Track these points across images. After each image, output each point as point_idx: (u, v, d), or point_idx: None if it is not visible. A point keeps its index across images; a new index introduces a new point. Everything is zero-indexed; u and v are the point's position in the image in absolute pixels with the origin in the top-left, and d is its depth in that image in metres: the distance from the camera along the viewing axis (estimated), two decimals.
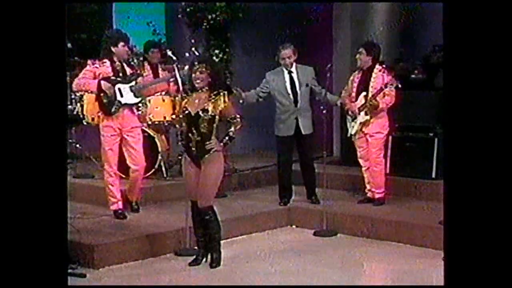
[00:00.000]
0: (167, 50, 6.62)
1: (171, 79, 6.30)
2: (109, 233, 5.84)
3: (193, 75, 5.32)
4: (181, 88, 5.79)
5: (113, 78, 6.24)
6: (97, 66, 6.24)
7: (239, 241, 6.31)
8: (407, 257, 5.77)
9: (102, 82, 6.18)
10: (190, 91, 5.43)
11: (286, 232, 6.77)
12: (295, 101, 6.87)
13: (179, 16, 8.80)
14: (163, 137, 7.58)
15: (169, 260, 5.71)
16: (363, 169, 7.00)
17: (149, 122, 7.31)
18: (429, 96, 7.96)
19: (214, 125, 5.29)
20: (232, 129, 5.33)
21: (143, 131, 6.69)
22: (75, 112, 7.64)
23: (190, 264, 5.47)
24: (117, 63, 6.29)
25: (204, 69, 5.30)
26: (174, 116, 6.58)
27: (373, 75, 6.76)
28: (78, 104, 7.57)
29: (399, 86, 6.65)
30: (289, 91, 6.88)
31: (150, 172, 7.30)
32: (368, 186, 7.00)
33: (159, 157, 7.37)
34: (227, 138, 5.34)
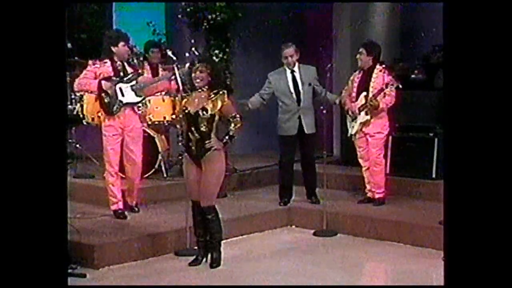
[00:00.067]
0: (167, 50, 6.62)
1: (172, 77, 6.30)
2: (109, 233, 5.84)
3: (193, 74, 5.33)
4: (181, 88, 5.80)
5: (114, 77, 6.24)
6: (98, 66, 6.25)
7: (239, 241, 6.31)
8: (407, 257, 5.77)
9: (103, 82, 6.19)
10: (190, 90, 5.43)
11: (286, 232, 6.78)
12: (298, 101, 6.87)
13: (179, 16, 8.79)
14: (163, 137, 7.59)
15: (169, 260, 5.71)
16: (363, 169, 7.00)
17: (149, 122, 7.31)
18: (429, 96, 7.96)
19: (214, 124, 5.30)
20: (232, 128, 5.33)
21: (143, 131, 6.69)
22: (75, 112, 7.64)
23: (190, 264, 5.47)
24: (118, 62, 6.29)
25: (204, 69, 5.31)
26: (174, 116, 6.59)
27: (374, 75, 6.76)
28: (78, 104, 7.58)
29: (400, 86, 6.65)
30: (292, 90, 6.88)
31: (150, 172, 7.30)
32: (368, 186, 7.00)
33: (159, 157, 7.37)
34: (227, 137, 5.34)
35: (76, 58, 8.15)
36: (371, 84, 6.74)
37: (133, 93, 6.28)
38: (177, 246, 5.82)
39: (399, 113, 7.14)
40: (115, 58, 6.28)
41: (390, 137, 7.22)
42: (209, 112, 5.26)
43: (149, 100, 7.14)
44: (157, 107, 7.32)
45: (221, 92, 5.31)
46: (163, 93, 7.17)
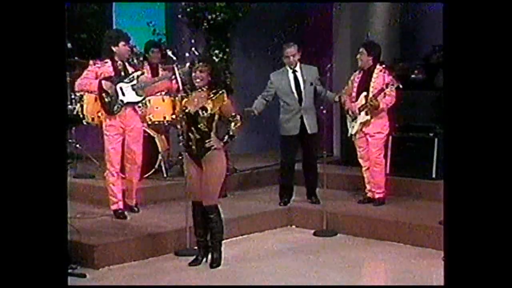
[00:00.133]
0: (167, 50, 6.63)
1: (172, 77, 6.31)
2: (109, 233, 5.84)
3: (193, 74, 5.33)
4: (181, 88, 5.80)
5: (114, 77, 6.25)
6: (99, 66, 6.25)
7: (239, 241, 6.31)
8: (407, 257, 5.77)
9: (103, 81, 6.19)
10: (190, 90, 5.44)
11: (286, 232, 6.77)
12: (300, 100, 6.86)
13: (179, 16, 8.80)
14: (163, 137, 7.58)
15: (169, 260, 5.70)
16: (363, 169, 7.00)
17: (149, 122, 7.31)
18: (429, 96, 7.96)
19: (214, 123, 5.30)
20: (232, 127, 5.33)
21: (143, 131, 6.69)
22: (75, 112, 7.63)
23: (190, 264, 5.47)
24: (119, 62, 6.30)
25: (204, 68, 5.31)
26: (174, 116, 6.59)
27: (374, 75, 6.76)
28: (78, 104, 7.57)
29: (401, 86, 6.65)
30: (294, 90, 6.88)
31: (150, 172, 7.30)
32: (368, 186, 7.00)
33: (159, 157, 7.37)
34: (227, 136, 5.35)
35: (76, 58, 8.15)
36: (371, 84, 6.74)
37: (133, 92, 6.28)
38: (177, 246, 5.82)
39: (399, 113, 7.14)
40: (116, 58, 6.28)
41: (390, 137, 7.22)
42: (209, 112, 5.27)
43: (149, 100, 7.14)
44: (157, 107, 7.32)
45: (220, 92, 5.32)
46: (163, 93, 7.18)
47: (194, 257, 5.51)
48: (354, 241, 6.33)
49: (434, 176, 7.30)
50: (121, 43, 6.25)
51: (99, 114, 6.77)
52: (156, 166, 7.36)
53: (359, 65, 6.88)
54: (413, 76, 8.51)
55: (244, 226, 6.55)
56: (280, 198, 7.09)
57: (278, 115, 7.00)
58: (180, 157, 7.37)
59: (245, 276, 5.29)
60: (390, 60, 8.45)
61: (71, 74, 7.50)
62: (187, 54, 6.90)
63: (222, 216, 5.46)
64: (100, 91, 6.22)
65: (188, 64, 5.87)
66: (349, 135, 7.06)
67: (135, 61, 7.63)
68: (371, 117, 6.76)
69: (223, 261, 5.45)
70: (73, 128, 7.92)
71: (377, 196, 6.91)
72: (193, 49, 6.86)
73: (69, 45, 8.13)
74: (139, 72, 6.44)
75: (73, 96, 7.76)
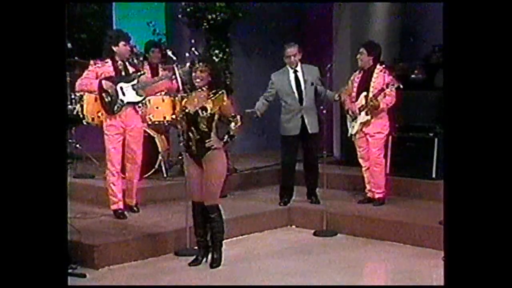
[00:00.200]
0: (167, 50, 6.63)
1: (173, 77, 6.31)
2: (109, 233, 5.84)
3: (193, 74, 5.33)
4: (181, 88, 5.80)
5: (115, 77, 6.25)
6: (99, 66, 6.26)
7: (239, 241, 6.31)
8: (407, 257, 5.77)
9: (103, 81, 6.20)
10: (190, 90, 5.44)
11: (286, 232, 6.77)
12: (300, 100, 6.86)
13: (179, 16, 8.80)
14: (163, 137, 7.59)
15: (169, 260, 5.71)
16: (363, 169, 7.00)
17: (149, 122, 7.31)
18: (429, 96, 7.96)
19: (213, 123, 5.30)
20: (232, 127, 5.33)
21: (143, 131, 6.69)
22: (75, 112, 7.64)
23: (190, 264, 5.47)
24: (119, 62, 6.30)
25: (204, 68, 5.31)
26: (174, 116, 6.59)
27: (374, 75, 6.76)
28: (78, 104, 7.58)
29: (401, 86, 6.64)
30: (294, 90, 6.88)
31: (150, 172, 7.30)
32: (368, 186, 7.00)
33: (159, 157, 7.37)
34: (227, 136, 5.34)
35: (76, 58, 8.16)
36: (372, 84, 6.74)
37: (134, 92, 6.28)
38: (177, 246, 5.82)
39: (399, 113, 7.14)
40: (116, 58, 6.28)
41: (390, 137, 7.22)
42: (209, 112, 5.27)
43: (149, 100, 7.14)
44: (157, 107, 7.31)
45: (220, 92, 5.32)
46: (163, 93, 7.18)
47: (194, 257, 5.51)
48: (354, 241, 6.33)
49: (434, 176, 7.30)
50: (122, 43, 6.25)
51: (99, 114, 6.78)
52: (156, 166, 7.37)
53: (359, 65, 6.88)
54: (413, 76, 8.50)
55: (244, 226, 6.55)
56: (280, 198, 7.09)
57: (278, 115, 7.00)
58: (180, 157, 7.37)
59: (245, 276, 5.29)
60: (390, 60, 8.44)
61: (71, 74, 7.51)
62: (187, 54, 6.89)
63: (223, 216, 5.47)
64: (100, 91, 6.23)
65: (188, 64, 5.87)
66: (349, 135, 7.06)
67: (135, 61, 7.63)
68: (371, 117, 6.76)
69: (223, 261, 5.45)
70: (73, 128, 7.93)
71: (377, 196, 6.91)
72: (193, 49, 6.86)
73: (69, 45, 8.14)
74: (140, 73, 6.44)
75: (73, 96, 7.77)
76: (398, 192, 7.14)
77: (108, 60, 6.27)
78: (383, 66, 6.91)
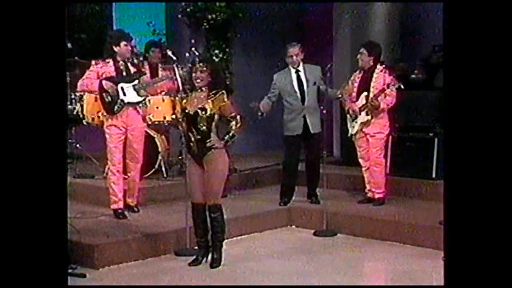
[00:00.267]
0: (167, 50, 6.63)
1: (173, 77, 6.31)
2: (109, 233, 5.83)
3: (193, 74, 5.33)
4: (181, 88, 5.80)
5: (115, 77, 6.25)
6: (101, 66, 6.27)
7: (239, 241, 6.31)
8: (407, 257, 5.77)
9: (104, 81, 6.20)
10: (190, 90, 5.44)
11: (286, 232, 6.77)
12: (303, 100, 6.86)
13: (179, 16, 8.80)
14: (163, 137, 7.59)
15: (169, 260, 5.70)
16: (363, 169, 7.00)
17: (149, 122, 7.31)
18: (429, 96, 7.96)
19: (213, 123, 5.30)
20: (233, 127, 5.32)
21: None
22: (75, 112, 7.64)
23: (190, 264, 5.47)
24: (120, 62, 6.31)
25: (204, 69, 5.31)
26: (174, 116, 6.59)
27: (375, 75, 6.77)
28: (78, 104, 7.58)
29: (402, 87, 6.64)
30: (297, 89, 6.88)
31: (150, 172, 7.30)
32: (368, 186, 7.00)
33: (159, 157, 7.37)
34: (227, 136, 5.34)
35: (76, 58, 8.15)
36: (372, 84, 6.75)
37: (135, 92, 6.29)
38: (177, 246, 5.82)
39: (399, 113, 7.14)
40: (118, 58, 6.29)
41: (390, 137, 7.22)
42: (208, 112, 5.26)
43: (149, 100, 7.13)
44: (157, 107, 7.31)
45: (220, 92, 5.31)
46: (163, 93, 7.18)
47: (194, 257, 5.51)
48: (354, 241, 6.33)
49: (434, 176, 7.30)
50: (123, 43, 6.26)
51: (99, 114, 6.79)
52: (156, 166, 7.37)
53: (359, 65, 6.88)
54: (413, 76, 8.50)
55: (244, 226, 6.55)
56: (281, 198, 7.09)
57: (278, 115, 7.00)
58: (180, 157, 7.37)
59: (245, 276, 5.29)
60: (390, 60, 8.45)
61: (71, 74, 7.52)
62: (187, 54, 6.90)
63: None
64: (100, 91, 6.23)
65: (188, 65, 5.87)
66: (349, 135, 7.07)
67: (135, 61, 7.63)
68: (372, 117, 6.77)
69: (223, 261, 5.44)
70: (73, 128, 7.93)
71: (377, 196, 6.91)
72: (193, 49, 6.86)
73: (69, 45, 8.14)
74: (142, 73, 6.45)
75: (73, 96, 7.77)
76: (398, 192, 7.14)
77: (110, 60, 6.28)
78: (383, 66, 6.91)
